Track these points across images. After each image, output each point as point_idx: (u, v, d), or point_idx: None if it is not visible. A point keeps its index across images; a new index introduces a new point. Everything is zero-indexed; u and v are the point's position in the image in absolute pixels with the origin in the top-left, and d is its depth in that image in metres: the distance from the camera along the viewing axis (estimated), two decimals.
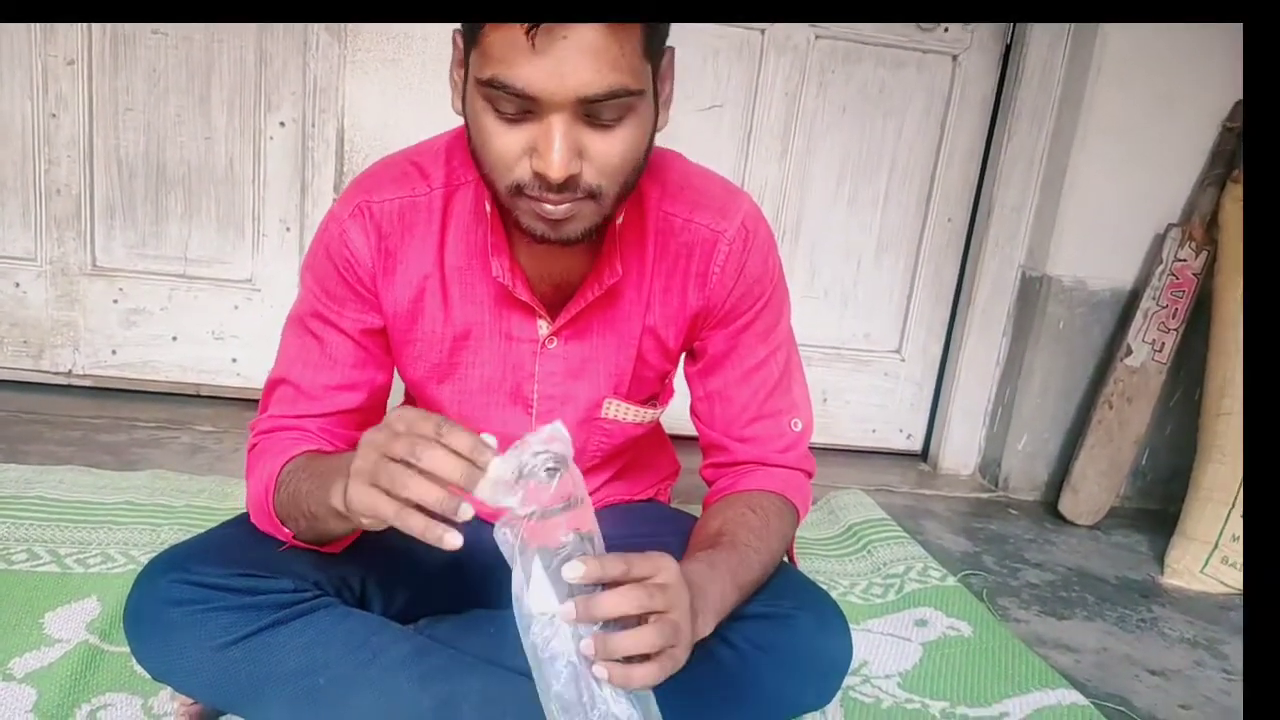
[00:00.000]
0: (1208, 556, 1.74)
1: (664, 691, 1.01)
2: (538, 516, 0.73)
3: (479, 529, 1.17)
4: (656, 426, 1.27)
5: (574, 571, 0.74)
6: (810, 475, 1.09)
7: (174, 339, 2.00)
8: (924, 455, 2.24)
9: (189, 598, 0.92)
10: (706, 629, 0.84)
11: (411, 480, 0.72)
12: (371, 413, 1.10)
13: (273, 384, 1.04)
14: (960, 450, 2.16)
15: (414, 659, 0.97)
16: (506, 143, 0.81)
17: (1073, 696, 1.29)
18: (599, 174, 0.81)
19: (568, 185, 0.80)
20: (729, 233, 0.99)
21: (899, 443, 2.23)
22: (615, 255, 0.96)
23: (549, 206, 0.82)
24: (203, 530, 1.06)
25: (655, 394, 1.11)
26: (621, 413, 1.07)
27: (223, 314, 2.00)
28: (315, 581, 0.97)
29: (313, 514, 0.90)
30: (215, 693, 0.95)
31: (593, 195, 0.82)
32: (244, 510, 1.06)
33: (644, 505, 1.22)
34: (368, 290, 0.98)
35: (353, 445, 1.09)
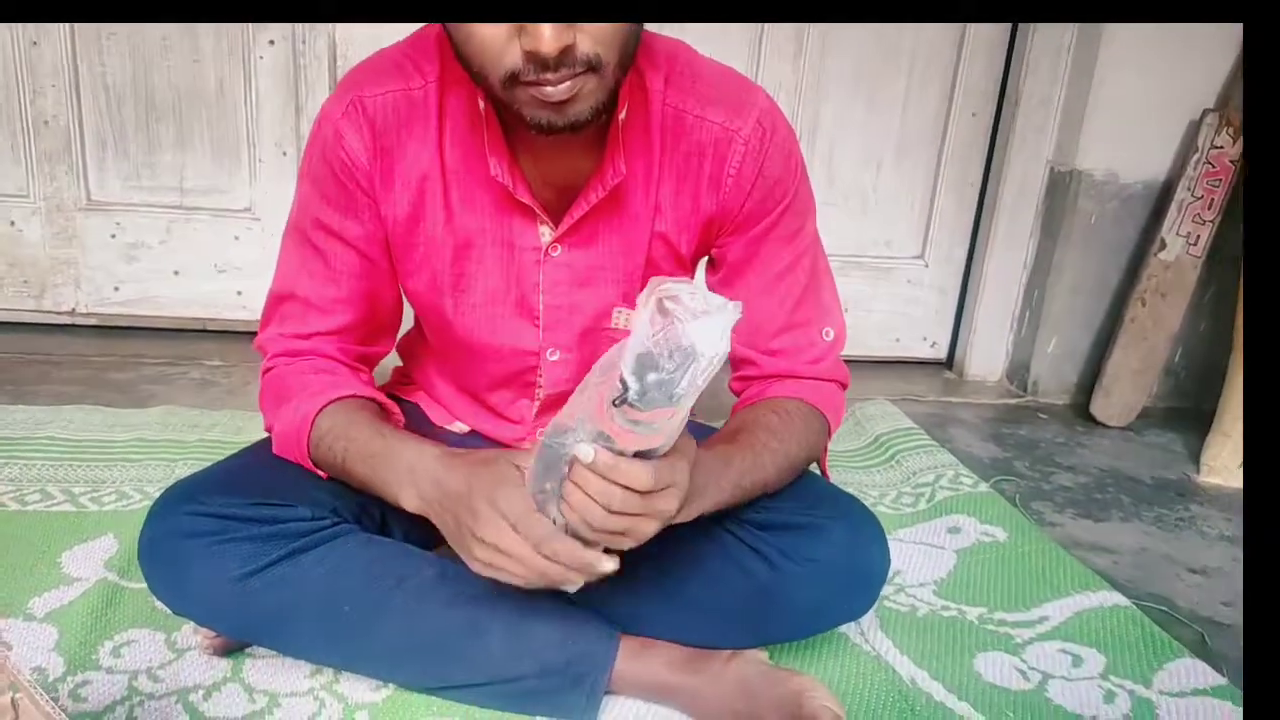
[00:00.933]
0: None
1: (694, 607, 0.99)
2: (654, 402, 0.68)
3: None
4: None
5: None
6: (844, 386, 1.03)
7: (175, 273, 1.95)
8: (949, 363, 2.18)
9: (204, 529, 0.89)
10: (685, 518, 0.83)
11: (549, 571, 0.80)
12: (385, 328, 1.05)
13: (277, 298, 1.00)
14: (987, 356, 2.11)
15: (440, 583, 0.94)
16: (490, 28, 0.74)
17: (1114, 598, 1.25)
18: (595, 41, 0.75)
19: (565, 59, 0.74)
20: (744, 131, 0.93)
21: (923, 351, 2.17)
22: (619, 154, 0.90)
23: (549, 89, 0.76)
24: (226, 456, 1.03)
25: None
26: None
27: (223, 246, 1.95)
28: (334, 509, 0.94)
29: (366, 489, 0.91)
30: (237, 625, 0.93)
31: (593, 67, 0.76)
32: (259, 440, 1.03)
33: None
34: (366, 195, 0.93)
35: (366, 361, 1.05)
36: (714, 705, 0.95)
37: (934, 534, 1.40)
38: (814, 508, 0.97)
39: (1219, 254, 1.88)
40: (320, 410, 0.93)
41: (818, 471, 1.07)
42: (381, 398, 0.98)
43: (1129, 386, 1.92)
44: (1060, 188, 1.95)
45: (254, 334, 1.03)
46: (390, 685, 0.98)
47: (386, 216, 0.94)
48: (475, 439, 1.11)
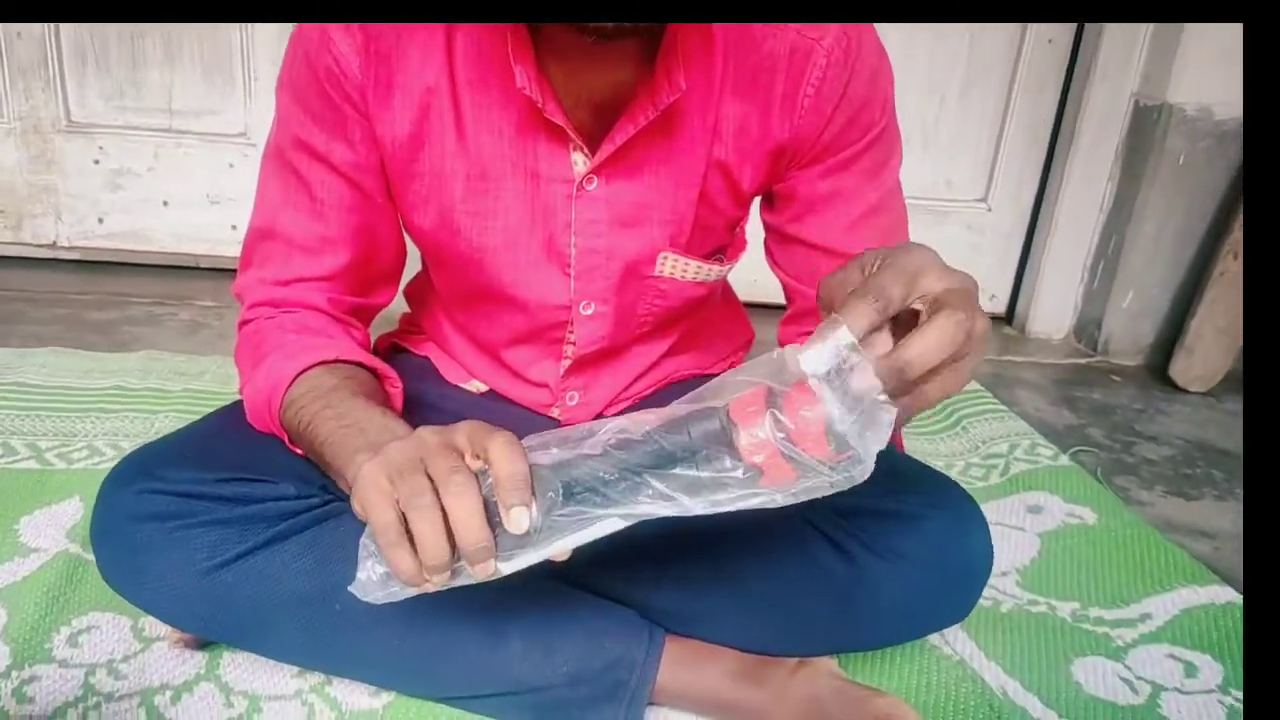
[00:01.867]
0: None
1: (756, 607, 0.83)
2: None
3: (526, 416, 0.97)
4: (724, 285, 1.04)
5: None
6: None
7: (165, 204, 1.78)
8: (1009, 318, 2.00)
9: (164, 511, 0.73)
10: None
11: (428, 513, 0.54)
12: (385, 275, 0.88)
13: (257, 234, 0.83)
14: (1053, 311, 1.92)
15: (452, 577, 0.78)
16: None
17: (1225, 593, 1.09)
18: None
19: None
20: (825, 41, 0.75)
21: (982, 305, 1.99)
22: (676, 64, 0.72)
23: None
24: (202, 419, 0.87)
25: (722, 246, 0.88)
26: (680, 269, 0.84)
27: (216, 173, 1.77)
28: (324, 485, 0.78)
29: (324, 458, 0.72)
30: (204, 623, 0.77)
31: None
32: (235, 401, 0.86)
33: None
34: (358, 110, 0.75)
35: (362, 314, 0.89)
36: None
37: (1012, 513, 1.23)
38: (905, 491, 0.80)
39: None
40: (297, 375, 0.76)
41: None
42: (377, 364, 0.81)
43: (1213, 348, 1.73)
44: (1145, 124, 1.74)
45: None
46: (390, 691, 0.83)
47: (383, 138, 0.76)
48: (494, 400, 0.94)
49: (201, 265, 1.82)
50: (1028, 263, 1.95)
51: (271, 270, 0.82)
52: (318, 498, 0.77)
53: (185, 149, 1.76)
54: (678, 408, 0.55)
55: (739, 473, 0.52)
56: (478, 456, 0.56)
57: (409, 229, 0.85)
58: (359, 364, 0.79)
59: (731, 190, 0.82)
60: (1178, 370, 1.74)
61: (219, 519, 0.73)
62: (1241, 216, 1.68)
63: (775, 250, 0.88)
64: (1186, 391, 1.74)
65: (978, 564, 0.81)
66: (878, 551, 0.79)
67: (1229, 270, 1.70)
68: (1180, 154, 1.71)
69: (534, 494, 0.53)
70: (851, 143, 0.79)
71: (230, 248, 1.79)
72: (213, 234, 1.80)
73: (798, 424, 0.51)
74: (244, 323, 0.83)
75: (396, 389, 0.82)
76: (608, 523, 0.54)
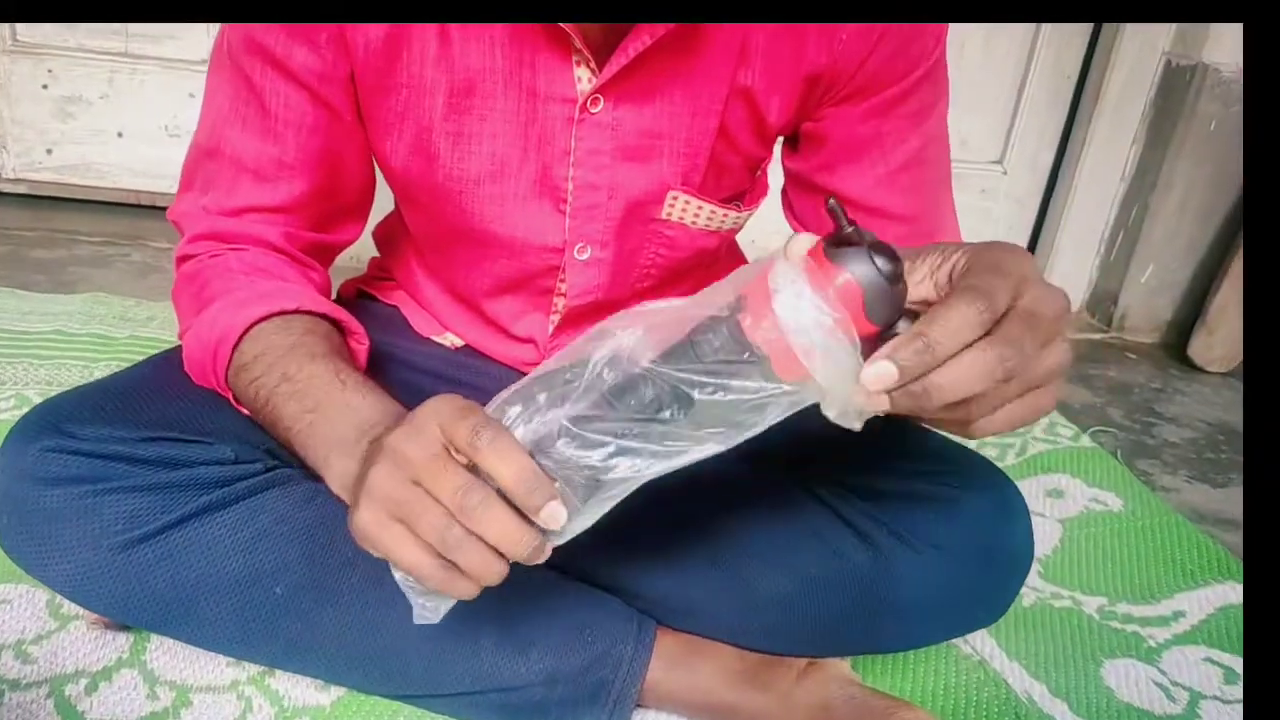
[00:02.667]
0: None
1: (761, 601, 0.73)
2: None
3: (508, 375, 0.85)
4: (732, 246, 0.93)
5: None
6: None
7: (119, 135, 1.64)
8: None
9: (74, 474, 0.62)
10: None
11: (466, 546, 0.48)
12: (350, 209, 0.76)
13: (199, 152, 0.71)
14: (1067, 283, 1.80)
15: None
16: None
17: None
18: None
19: None
20: None
21: None
22: None
23: None
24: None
25: (741, 191, 0.77)
26: (690, 213, 0.73)
27: (175, 104, 1.63)
28: (268, 449, 0.67)
29: (290, 445, 0.63)
30: (119, 606, 0.65)
31: None
32: (172, 348, 0.75)
33: None
34: None
35: (322, 253, 0.77)
36: None
37: (1032, 497, 1.13)
38: (938, 472, 0.70)
39: None
40: (248, 328, 0.64)
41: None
42: (341, 315, 0.70)
43: (1236, 327, 1.63)
44: (1177, 85, 1.63)
45: None
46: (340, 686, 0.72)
47: (354, 43, 0.64)
48: (471, 357, 0.83)
49: (158, 204, 1.68)
50: (1041, 231, 1.84)
51: (216, 196, 0.70)
52: (260, 463, 0.66)
53: (141, 76, 1.62)
54: (661, 318, 0.46)
55: (770, 386, 0.44)
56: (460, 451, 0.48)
57: (378, 157, 0.73)
58: (320, 315, 0.68)
59: (755, 123, 0.70)
60: (1197, 349, 1.65)
61: (138, 485, 0.62)
62: None
63: (796, 201, 0.77)
64: (1205, 372, 1.65)
65: (1018, 556, 0.71)
66: (906, 539, 0.69)
67: None
68: (1212, 119, 1.61)
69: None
70: (897, 78, 0.68)
71: None
72: (170, 170, 1.64)
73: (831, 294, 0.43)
74: (184, 258, 0.71)
75: (362, 345, 0.71)
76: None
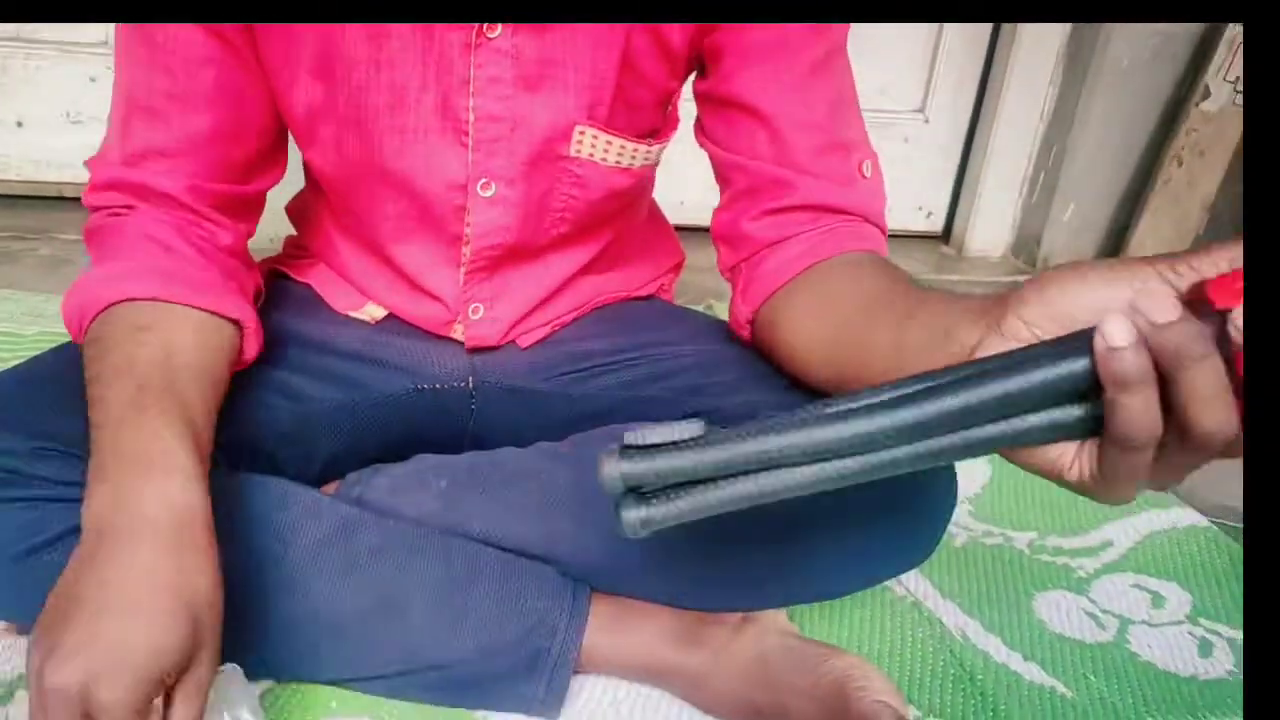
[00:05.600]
0: None
1: (689, 558, 0.73)
2: None
3: (430, 349, 0.84)
4: (652, 204, 0.92)
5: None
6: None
7: (18, 124, 1.58)
8: (946, 236, 1.92)
9: None
10: None
11: None
12: (264, 154, 0.73)
13: (113, 100, 0.68)
14: (991, 227, 1.84)
15: (337, 541, 0.66)
16: None
17: (1188, 515, 1.04)
18: None
19: None
20: None
21: (917, 223, 1.90)
22: None
23: None
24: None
25: (653, 128, 0.75)
26: (600, 149, 0.71)
27: (76, 89, 1.57)
28: None
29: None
30: (25, 613, 0.62)
31: None
32: (69, 342, 0.72)
33: (643, 305, 0.89)
34: None
35: (238, 206, 0.72)
36: (722, 692, 0.70)
37: None
38: None
39: None
40: (107, 306, 0.63)
41: None
42: (244, 313, 0.68)
43: None
44: (1088, 26, 1.65)
45: None
46: (267, 679, 0.71)
47: None
48: (393, 329, 0.81)
49: (65, 194, 1.62)
50: (964, 177, 1.86)
51: (116, 143, 0.68)
52: None
53: (38, 60, 1.55)
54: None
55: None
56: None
57: (277, 93, 0.70)
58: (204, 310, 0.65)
59: (660, 49, 0.69)
60: None
61: (34, 496, 0.60)
62: (1187, 121, 1.61)
63: (707, 121, 0.74)
64: None
65: (940, 498, 0.72)
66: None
67: (1173, 178, 1.64)
68: (1123, 56, 1.63)
69: None
70: None
71: None
72: (75, 158, 1.59)
73: None
74: (91, 208, 0.70)
75: (252, 344, 0.70)
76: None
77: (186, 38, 0.64)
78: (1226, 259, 0.38)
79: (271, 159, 0.74)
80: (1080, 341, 0.39)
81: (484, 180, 0.70)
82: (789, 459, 0.41)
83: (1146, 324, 0.37)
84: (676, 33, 0.68)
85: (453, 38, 0.64)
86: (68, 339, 1.17)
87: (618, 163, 0.73)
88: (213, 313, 0.66)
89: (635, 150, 0.73)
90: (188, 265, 0.67)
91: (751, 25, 0.67)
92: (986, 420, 0.41)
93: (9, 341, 1.19)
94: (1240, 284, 0.37)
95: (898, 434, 0.40)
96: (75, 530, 0.59)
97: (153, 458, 0.54)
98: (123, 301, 0.63)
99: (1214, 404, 0.37)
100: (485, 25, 0.63)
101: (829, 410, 0.41)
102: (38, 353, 1.13)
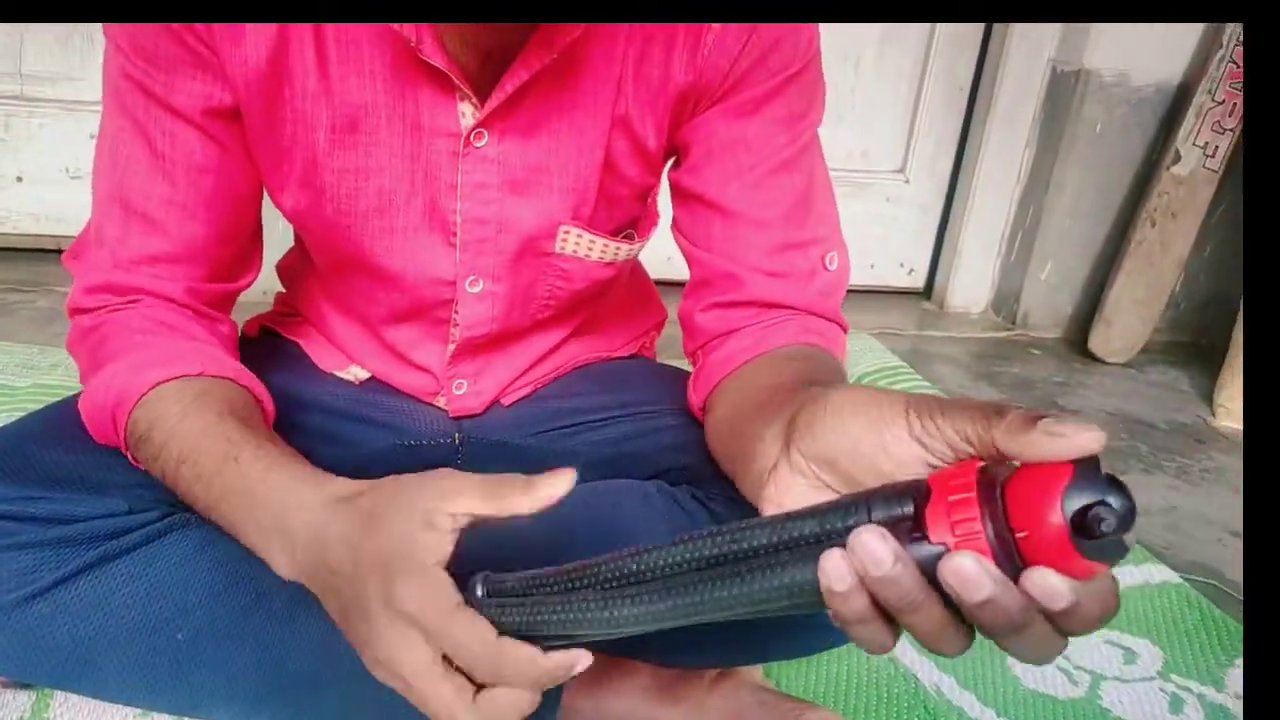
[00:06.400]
0: None
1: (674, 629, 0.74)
2: None
3: (415, 408, 0.86)
4: (634, 262, 0.94)
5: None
6: (845, 332, 0.77)
7: (18, 179, 1.61)
8: (927, 293, 1.95)
9: None
10: None
11: None
12: (251, 252, 0.75)
13: (96, 200, 0.69)
14: (971, 285, 1.88)
15: (315, 597, 0.67)
16: None
17: (1161, 573, 1.05)
18: None
19: None
20: None
21: (899, 280, 1.94)
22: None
23: None
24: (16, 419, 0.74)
25: (633, 220, 0.78)
26: (584, 247, 0.73)
27: (76, 146, 1.60)
28: (164, 499, 0.66)
29: (209, 514, 0.60)
30: (16, 665, 0.65)
31: None
32: (59, 400, 0.74)
33: (625, 364, 0.92)
34: (204, 45, 0.62)
35: (226, 302, 0.74)
36: None
37: None
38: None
39: (1236, 167, 1.67)
40: (145, 393, 0.63)
41: None
42: (247, 379, 0.68)
43: (1132, 318, 1.71)
44: (1063, 90, 1.71)
45: None
46: None
47: (235, 78, 0.64)
48: (375, 392, 0.83)
49: (61, 247, 1.65)
50: (945, 236, 1.90)
51: (111, 245, 0.68)
52: (155, 510, 0.65)
53: (40, 118, 1.59)
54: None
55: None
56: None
57: (269, 191, 0.72)
58: (228, 379, 0.66)
59: (638, 151, 0.72)
60: (1097, 342, 1.72)
61: (28, 541, 0.61)
62: (1159, 184, 1.66)
63: (675, 210, 0.76)
64: (1106, 363, 1.72)
65: None
66: None
67: (1147, 239, 1.68)
68: (1097, 122, 1.68)
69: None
70: (762, 80, 0.68)
71: None
72: (73, 213, 1.63)
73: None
74: (79, 310, 0.69)
75: (268, 412, 0.70)
76: None
77: (186, 145, 0.65)
78: (979, 430, 0.38)
79: (254, 254, 0.76)
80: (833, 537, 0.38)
81: (472, 278, 0.72)
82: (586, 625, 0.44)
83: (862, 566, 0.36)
84: (650, 136, 0.70)
85: (440, 145, 0.66)
86: (60, 389, 1.20)
87: (601, 258, 0.75)
88: (242, 385, 0.68)
89: (619, 248, 0.75)
90: (205, 345, 0.68)
91: (715, 120, 0.70)
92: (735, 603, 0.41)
93: (3, 394, 1.20)
94: (974, 513, 0.35)
95: (639, 621, 0.43)
96: (68, 578, 0.62)
97: (278, 489, 0.56)
98: (160, 386, 0.63)
99: (941, 641, 0.37)
100: (473, 134, 0.66)
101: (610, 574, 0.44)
102: (31, 405, 1.15)
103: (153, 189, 0.66)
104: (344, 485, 0.55)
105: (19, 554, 0.61)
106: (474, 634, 0.46)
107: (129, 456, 0.64)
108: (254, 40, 0.62)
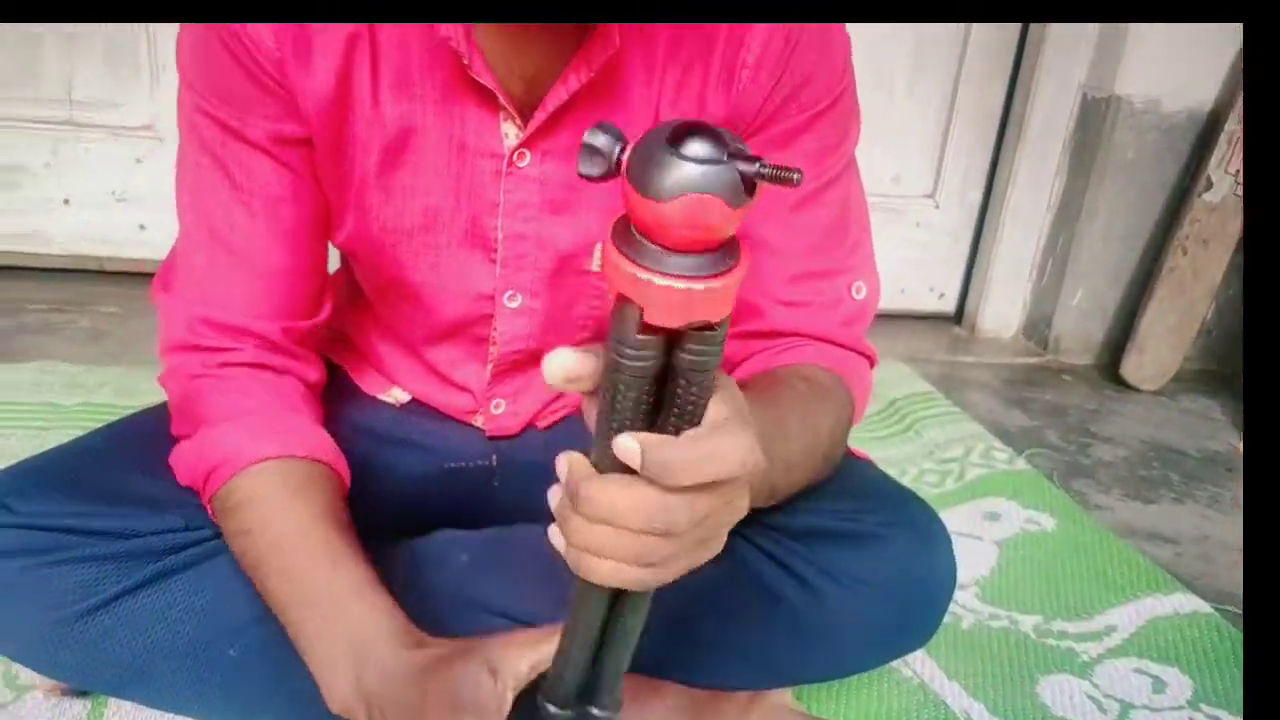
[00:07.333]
0: None
1: (703, 642, 0.75)
2: None
3: (453, 430, 0.88)
4: None
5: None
6: (872, 364, 0.78)
7: (65, 202, 1.65)
8: (958, 317, 1.96)
9: (20, 546, 0.64)
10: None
11: None
12: (322, 291, 0.77)
13: (184, 242, 0.72)
14: (1002, 310, 1.88)
15: None
16: None
17: (1191, 602, 1.05)
18: None
19: None
20: None
21: (929, 304, 1.94)
22: (612, 27, 0.64)
23: None
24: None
25: None
26: None
27: (123, 169, 1.65)
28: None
29: (279, 607, 0.65)
30: (76, 673, 0.68)
31: None
32: (120, 419, 0.77)
33: None
34: (275, 80, 0.65)
35: (314, 338, 0.77)
36: None
37: (970, 521, 1.18)
38: (864, 509, 0.73)
39: None
40: (249, 465, 0.66)
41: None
42: (340, 463, 0.72)
43: (1164, 346, 1.71)
44: (1094, 117, 1.71)
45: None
46: None
47: (306, 107, 0.66)
48: (418, 411, 0.85)
49: (106, 268, 1.69)
50: (976, 261, 1.91)
51: (200, 282, 0.70)
52: (209, 528, 0.68)
53: (86, 143, 1.64)
54: None
55: None
56: None
57: (334, 216, 0.75)
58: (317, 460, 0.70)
59: None
60: (1129, 369, 1.71)
61: (90, 555, 0.64)
62: (1191, 211, 1.66)
63: None
64: (1138, 390, 1.71)
65: (942, 585, 0.75)
66: (837, 578, 0.72)
67: (1178, 266, 1.68)
68: (1128, 149, 1.69)
69: None
70: (794, 114, 0.70)
71: (137, 249, 1.66)
72: (118, 234, 1.67)
73: None
74: (182, 347, 0.71)
75: (345, 490, 0.73)
76: None
77: (263, 176, 0.68)
78: None
79: (329, 287, 0.78)
80: None
81: (510, 292, 0.75)
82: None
83: None
84: None
85: (484, 165, 0.69)
86: (107, 408, 1.23)
87: None
88: (334, 469, 0.71)
89: None
90: (306, 419, 0.71)
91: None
92: None
93: (51, 412, 1.24)
94: None
95: None
96: (127, 592, 0.64)
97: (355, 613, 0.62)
98: (270, 460, 0.66)
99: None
100: (515, 154, 0.68)
101: None
102: (79, 423, 1.19)
103: (235, 220, 0.69)
104: (405, 624, 0.62)
105: (82, 566, 0.63)
106: None
107: (208, 508, 0.67)
108: (322, 68, 0.65)
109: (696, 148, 0.36)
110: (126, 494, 0.67)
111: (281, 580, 0.62)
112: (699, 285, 0.37)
